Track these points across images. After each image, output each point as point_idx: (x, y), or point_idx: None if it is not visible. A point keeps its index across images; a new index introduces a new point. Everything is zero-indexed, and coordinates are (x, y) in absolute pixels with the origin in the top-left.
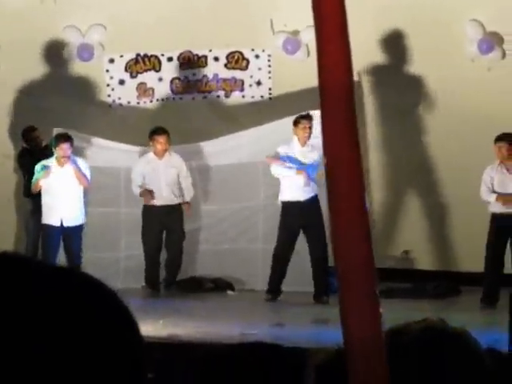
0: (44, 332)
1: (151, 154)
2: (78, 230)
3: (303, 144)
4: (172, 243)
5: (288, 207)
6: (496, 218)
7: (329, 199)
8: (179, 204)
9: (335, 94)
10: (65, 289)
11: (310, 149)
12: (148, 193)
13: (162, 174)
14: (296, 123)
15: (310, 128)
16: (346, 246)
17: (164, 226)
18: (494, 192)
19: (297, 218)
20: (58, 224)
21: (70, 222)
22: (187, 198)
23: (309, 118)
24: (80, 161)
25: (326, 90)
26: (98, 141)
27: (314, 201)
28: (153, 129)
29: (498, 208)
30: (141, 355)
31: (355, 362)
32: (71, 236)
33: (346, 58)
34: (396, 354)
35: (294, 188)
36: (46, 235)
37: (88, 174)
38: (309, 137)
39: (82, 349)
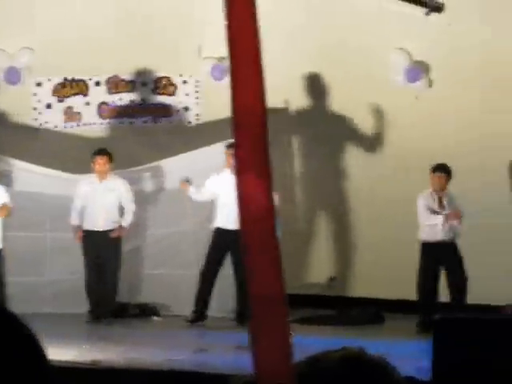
0: None
1: (92, 176)
2: None
3: (234, 172)
4: (107, 273)
5: (217, 233)
6: (425, 246)
7: (241, 229)
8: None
9: (246, 121)
10: None
11: None
12: (77, 230)
13: (100, 197)
14: (225, 153)
15: None
16: (257, 275)
17: (100, 252)
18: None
19: (225, 243)
20: None
21: None
22: (124, 223)
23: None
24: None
25: (238, 115)
26: (21, 164)
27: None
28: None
29: (426, 236)
30: (42, 381)
31: None
32: None
33: (258, 86)
34: (313, 381)
35: (225, 215)
36: None
37: (7, 199)
38: None
39: None
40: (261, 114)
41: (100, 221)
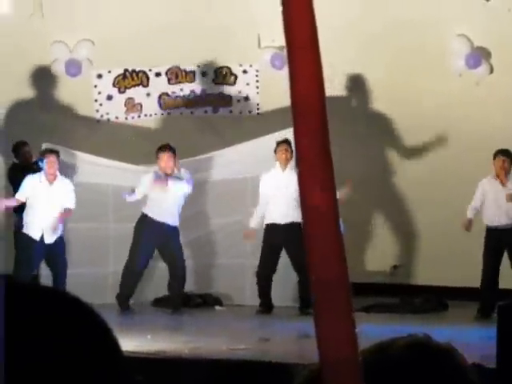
0: (18, 353)
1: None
2: (60, 244)
3: (284, 167)
4: (173, 258)
5: (269, 229)
6: (489, 231)
7: (303, 222)
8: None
9: (307, 108)
10: (39, 308)
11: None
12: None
13: (168, 192)
14: (275, 149)
15: (291, 150)
16: (319, 264)
17: (159, 242)
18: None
19: (278, 239)
20: (38, 238)
21: (51, 238)
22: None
23: (286, 142)
24: (66, 181)
25: (298, 104)
26: (85, 156)
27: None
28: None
29: (491, 222)
30: (119, 371)
31: (330, 382)
32: (54, 252)
33: (318, 70)
34: (380, 370)
35: (276, 211)
36: (26, 247)
37: (72, 195)
38: (290, 159)
39: (58, 368)
40: (321, 102)
41: (165, 213)
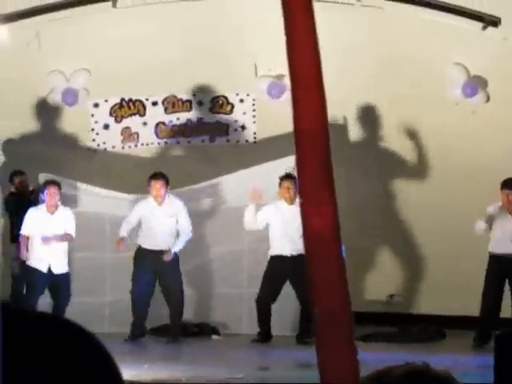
0: (19, 378)
1: (150, 199)
2: (66, 277)
3: (290, 203)
4: (171, 290)
5: (275, 260)
6: (492, 258)
7: (306, 251)
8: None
9: (310, 140)
10: (45, 336)
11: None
12: (121, 241)
13: (159, 220)
14: (279, 185)
15: (295, 185)
16: (323, 293)
17: (157, 271)
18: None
19: (282, 271)
20: (46, 270)
21: (58, 270)
22: (175, 248)
23: (290, 177)
24: (66, 210)
25: (301, 137)
26: (83, 186)
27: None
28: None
29: (493, 248)
30: None
31: None
32: (59, 283)
33: (321, 106)
34: None
35: (281, 243)
36: (33, 279)
37: (73, 223)
38: (294, 195)
39: None
40: (325, 139)
41: (158, 241)
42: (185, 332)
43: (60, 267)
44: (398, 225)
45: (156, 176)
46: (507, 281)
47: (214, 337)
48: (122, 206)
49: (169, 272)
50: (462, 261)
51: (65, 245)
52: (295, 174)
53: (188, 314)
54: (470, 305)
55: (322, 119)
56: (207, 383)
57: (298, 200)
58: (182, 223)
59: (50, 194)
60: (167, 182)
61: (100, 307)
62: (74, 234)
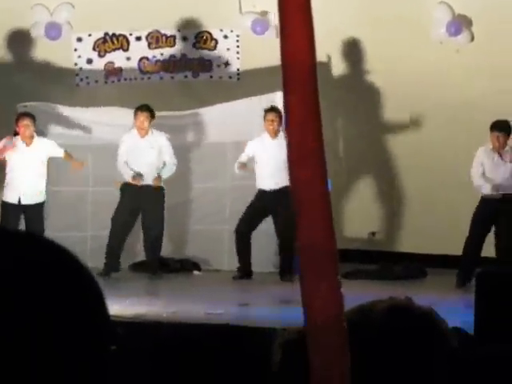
0: (5, 298)
1: (134, 131)
2: (38, 208)
3: (273, 137)
4: (152, 223)
5: (259, 194)
6: (484, 201)
7: (291, 184)
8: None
9: (298, 75)
10: (29, 253)
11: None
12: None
13: (142, 153)
14: (263, 117)
15: (279, 119)
16: (307, 228)
17: (140, 206)
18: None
19: (265, 205)
20: (16, 201)
21: (28, 200)
22: (162, 174)
23: (274, 110)
24: (46, 140)
25: (289, 71)
26: (65, 110)
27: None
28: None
29: (485, 191)
30: (104, 323)
31: (315, 343)
32: (31, 215)
33: (309, 38)
34: (361, 332)
35: (266, 177)
36: (4, 212)
37: (57, 148)
38: (278, 128)
39: (44, 313)
40: (311, 65)
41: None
42: (166, 268)
43: (30, 198)
44: (381, 164)
45: (141, 108)
46: (494, 223)
47: (196, 272)
48: (104, 134)
49: (152, 207)
50: (444, 201)
51: (39, 176)
52: (280, 107)
53: (170, 250)
54: (451, 244)
55: (310, 41)
56: (188, 318)
57: (281, 133)
58: (165, 157)
59: (23, 126)
60: (152, 116)
61: (81, 242)
62: (62, 155)
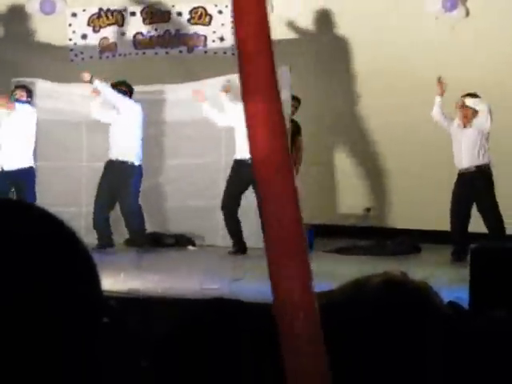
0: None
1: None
2: (24, 174)
3: None
4: (125, 204)
5: (237, 165)
6: (459, 175)
7: (254, 165)
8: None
9: (251, 49)
10: (23, 222)
11: None
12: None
13: (118, 127)
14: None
15: None
16: (272, 209)
17: (116, 183)
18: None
19: (245, 175)
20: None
21: (10, 166)
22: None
23: None
24: (26, 108)
25: (242, 46)
26: (60, 86)
27: None
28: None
29: (463, 164)
30: (97, 295)
31: (284, 321)
32: (18, 181)
33: (262, 13)
34: (357, 306)
35: (243, 146)
36: None
37: (33, 121)
38: None
39: (38, 283)
40: (266, 42)
41: (122, 149)
42: (161, 243)
43: (13, 164)
44: (374, 139)
45: (119, 84)
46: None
47: (190, 248)
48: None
49: (123, 185)
50: (438, 176)
51: (23, 143)
52: None
53: (164, 226)
54: (445, 219)
55: (264, 21)
56: (182, 293)
57: None
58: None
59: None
60: (131, 92)
61: (76, 218)
62: (32, 132)
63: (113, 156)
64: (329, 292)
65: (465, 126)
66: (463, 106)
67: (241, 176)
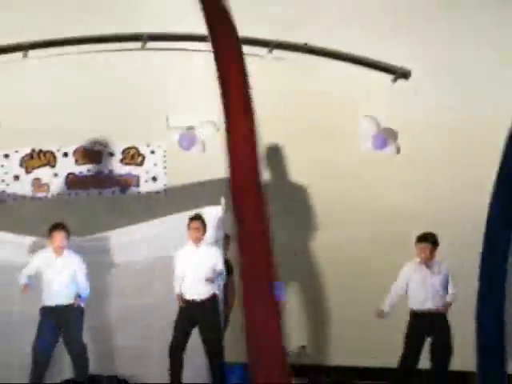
0: None
1: (49, 251)
2: None
3: (197, 244)
4: (73, 345)
5: (186, 305)
6: (415, 316)
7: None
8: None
9: (243, 166)
10: None
11: (207, 249)
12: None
13: (57, 273)
14: (188, 226)
15: (203, 227)
16: (248, 252)
17: (59, 326)
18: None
19: (192, 316)
20: None
21: None
22: (82, 294)
23: (198, 218)
24: None
25: (234, 163)
26: None
27: (210, 300)
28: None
29: (416, 306)
30: None
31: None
32: None
33: (252, 135)
34: None
35: (190, 287)
36: None
37: None
38: (202, 237)
39: None
40: (257, 177)
41: (58, 295)
42: None
43: None
44: (312, 272)
45: (57, 227)
46: (429, 336)
47: None
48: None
49: (71, 327)
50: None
51: None
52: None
53: (96, 368)
54: (383, 356)
55: (254, 148)
56: None
57: (205, 242)
58: (80, 280)
59: None
60: (68, 234)
61: (8, 356)
62: None
63: (57, 302)
64: None
65: (428, 268)
66: (424, 250)
67: (187, 316)
